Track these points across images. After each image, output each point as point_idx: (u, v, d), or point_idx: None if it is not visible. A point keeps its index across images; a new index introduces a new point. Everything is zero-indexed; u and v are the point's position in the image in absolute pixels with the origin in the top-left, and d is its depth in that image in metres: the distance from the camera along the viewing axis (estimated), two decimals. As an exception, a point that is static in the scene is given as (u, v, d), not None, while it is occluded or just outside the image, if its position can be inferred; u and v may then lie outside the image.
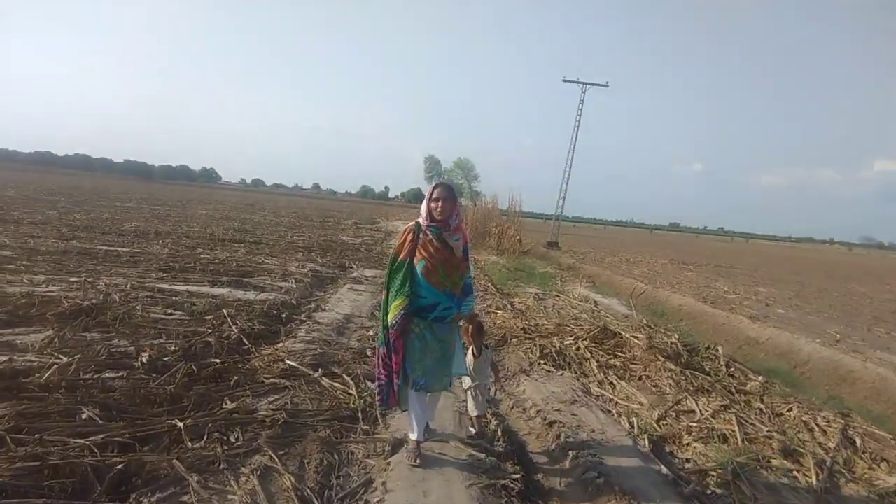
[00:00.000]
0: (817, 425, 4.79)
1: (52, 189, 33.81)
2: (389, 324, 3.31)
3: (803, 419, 4.91)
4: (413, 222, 3.44)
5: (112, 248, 10.95)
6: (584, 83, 28.00)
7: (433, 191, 3.37)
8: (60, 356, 4.44)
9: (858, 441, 4.51)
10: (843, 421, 4.86)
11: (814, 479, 3.75)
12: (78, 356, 4.39)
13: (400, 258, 3.34)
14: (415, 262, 3.31)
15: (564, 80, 28.45)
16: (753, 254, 44.58)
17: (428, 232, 3.34)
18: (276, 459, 3.30)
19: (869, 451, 4.39)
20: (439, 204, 3.31)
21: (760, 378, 6.05)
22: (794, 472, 3.89)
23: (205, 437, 3.45)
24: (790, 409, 5.15)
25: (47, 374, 3.94)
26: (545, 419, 4.53)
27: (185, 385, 4.22)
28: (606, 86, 28.63)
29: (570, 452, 3.90)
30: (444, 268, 3.30)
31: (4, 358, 4.17)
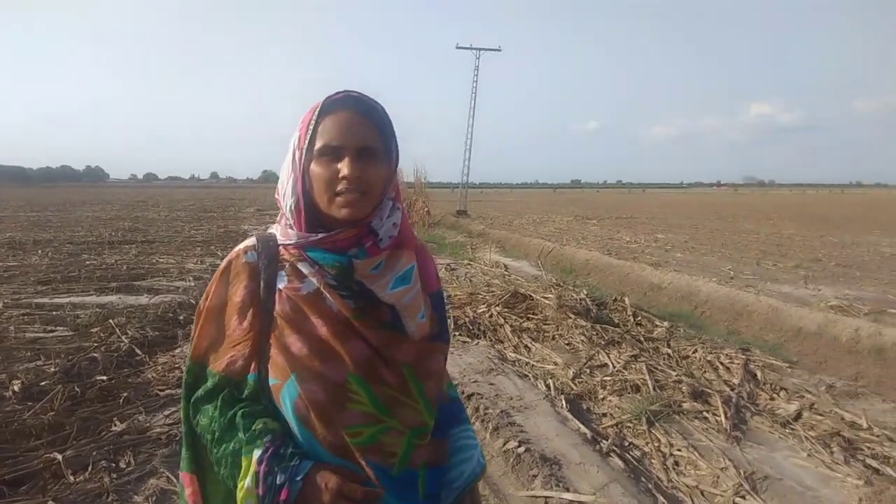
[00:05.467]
0: (721, 363, 5.00)
1: None
2: None
3: (708, 359, 5.11)
4: (247, 242, 1.13)
5: (-20, 265, 9.86)
6: (477, 48, 27.94)
7: (321, 119, 1.00)
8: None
9: (759, 374, 4.76)
10: (744, 356, 5.10)
11: (722, 418, 3.87)
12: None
13: (214, 370, 1.03)
14: (270, 379, 1.01)
15: (458, 48, 28.26)
16: (650, 203, 46.80)
17: (304, 269, 1.05)
18: (175, 480, 3.01)
19: (769, 382, 4.63)
20: (346, 163, 0.97)
21: (666, 323, 6.26)
22: (705, 413, 4.01)
23: (90, 468, 3.09)
24: (695, 351, 5.35)
25: None
26: (463, 392, 4.44)
27: (66, 410, 3.74)
28: (499, 50, 28.73)
29: (490, 424, 3.84)
30: (371, 389, 1.00)
31: None
